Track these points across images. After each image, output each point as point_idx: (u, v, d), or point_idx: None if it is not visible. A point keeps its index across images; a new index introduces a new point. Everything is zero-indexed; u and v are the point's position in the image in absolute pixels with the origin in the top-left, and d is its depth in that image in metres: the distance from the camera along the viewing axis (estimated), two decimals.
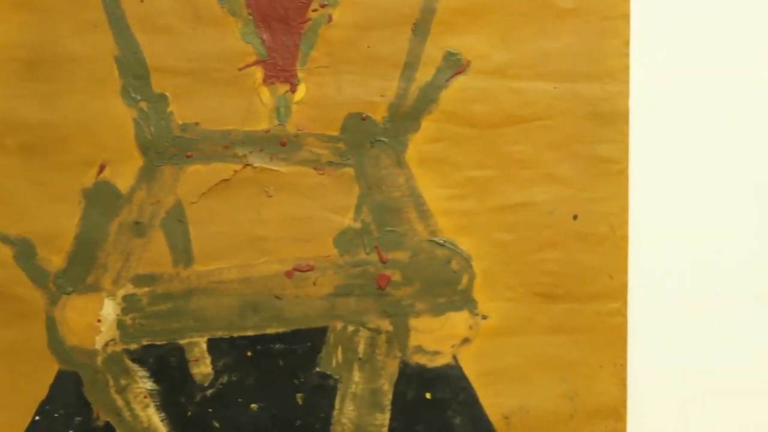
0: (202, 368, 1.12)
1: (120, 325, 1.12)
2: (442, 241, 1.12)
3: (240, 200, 1.12)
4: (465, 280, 1.12)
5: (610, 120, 1.12)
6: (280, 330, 1.12)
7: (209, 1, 1.11)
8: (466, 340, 1.13)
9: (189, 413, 1.12)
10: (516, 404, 1.13)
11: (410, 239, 1.12)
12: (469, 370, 1.13)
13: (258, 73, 1.12)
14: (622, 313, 1.13)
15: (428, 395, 1.13)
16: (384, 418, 1.13)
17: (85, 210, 1.12)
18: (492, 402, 1.13)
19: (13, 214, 1.11)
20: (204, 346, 1.12)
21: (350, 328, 1.13)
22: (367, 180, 1.12)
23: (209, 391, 1.12)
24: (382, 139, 1.12)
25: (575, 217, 1.12)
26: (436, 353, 1.13)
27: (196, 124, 1.12)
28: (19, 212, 1.11)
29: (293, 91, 1.12)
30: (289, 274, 1.12)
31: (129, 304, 1.12)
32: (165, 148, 1.12)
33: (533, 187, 1.12)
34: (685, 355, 1.14)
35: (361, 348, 1.13)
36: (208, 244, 1.12)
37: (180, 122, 1.12)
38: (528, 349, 1.13)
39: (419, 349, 1.13)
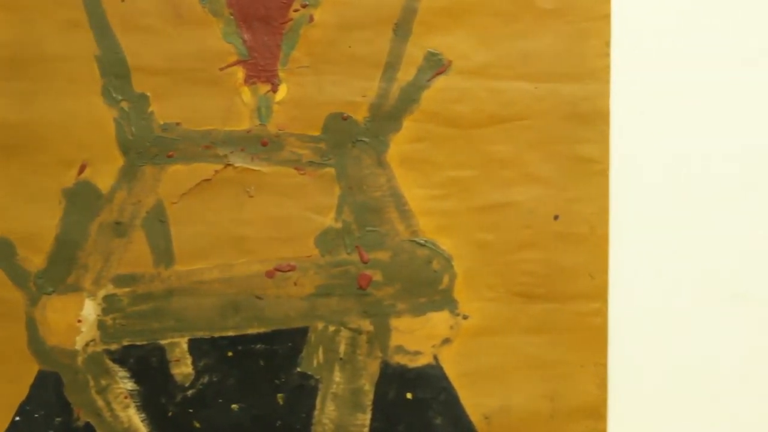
0: (183, 368, 1.12)
1: (100, 325, 1.12)
2: (423, 241, 1.13)
3: (221, 200, 1.12)
4: (446, 280, 1.12)
5: (591, 120, 1.12)
6: (261, 330, 1.12)
7: (190, 1, 1.11)
8: (446, 340, 1.13)
9: (170, 413, 1.12)
10: (497, 404, 1.13)
11: (391, 239, 1.12)
12: (450, 370, 1.13)
13: (239, 73, 1.12)
14: (602, 313, 1.13)
15: (409, 395, 1.13)
16: (365, 419, 1.13)
17: (65, 210, 1.11)
18: (473, 402, 1.13)
19: None
20: (185, 346, 1.12)
21: (331, 328, 1.12)
22: (349, 180, 1.12)
23: (190, 392, 1.12)
24: (364, 139, 1.12)
25: (556, 217, 1.13)
26: (417, 353, 1.13)
27: (177, 124, 1.12)
28: None
29: (274, 91, 1.12)
30: (270, 274, 1.12)
31: (109, 304, 1.12)
32: (146, 148, 1.12)
33: (514, 187, 1.12)
34: (665, 354, 1.14)
35: (342, 348, 1.13)
36: (189, 244, 1.12)
37: (161, 122, 1.12)
38: (509, 349, 1.13)
39: (400, 349, 1.13)
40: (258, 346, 1.12)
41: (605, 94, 1.12)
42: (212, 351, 1.12)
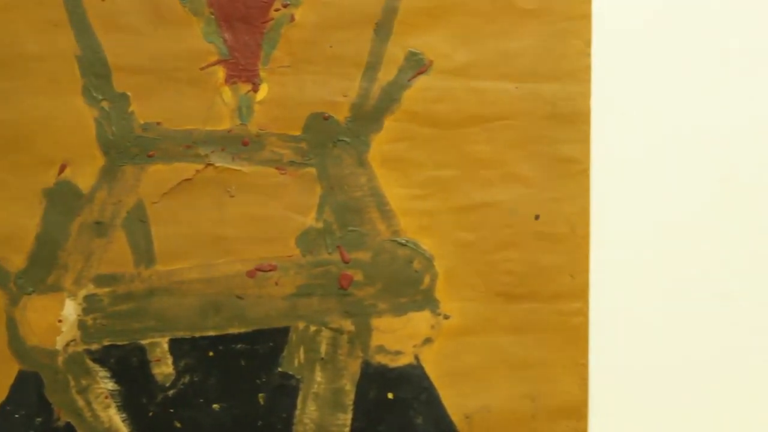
0: (164, 368, 1.12)
1: (81, 325, 1.11)
2: (404, 241, 1.13)
3: (202, 200, 1.12)
4: (427, 279, 1.12)
5: (572, 120, 1.12)
6: (242, 330, 1.12)
7: (171, 1, 1.11)
8: (428, 340, 1.13)
9: (150, 413, 1.12)
10: (478, 404, 1.13)
11: (372, 239, 1.12)
12: (431, 370, 1.13)
13: (220, 72, 1.12)
14: (583, 312, 1.13)
15: (390, 395, 1.13)
16: (346, 418, 1.13)
17: (45, 210, 1.11)
18: (454, 402, 1.13)
19: None
20: (165, 346, 1.12)
21: (312, 328, 1.12)
22: (330, 180, 1.12)
23: (171, 392, 1.12)
24: (345, 139, 1.12)
25: (537, 217, 1.13)
26: (398, 353, 1.13)
27: (158, 123, 1.12)
28: None
29: (255, 90, 1.12)
30: (251, 274, 1.12)
31: (90, 304, 1.11)
32: (126, 147, 1.12)
33: (495, 187, 1.12)
34: (646, 354, 1.14)
35: (323, 348, 1.12)
36: (170, 244, 1.12)
37: (141, 122, 1.12)
38: (490, 349, 1.13)
39: (381, 349, 1.13)
40: (239, 346, 1.12)
41: (586, 94, 1.12)
42: (193, 351, 1.12)
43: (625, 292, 1.14)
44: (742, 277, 1.15)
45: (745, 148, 1.15)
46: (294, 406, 1.13)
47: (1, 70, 1.11)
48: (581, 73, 1.12)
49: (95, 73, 1.11)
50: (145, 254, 1.12)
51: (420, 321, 1.12)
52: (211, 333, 1.12)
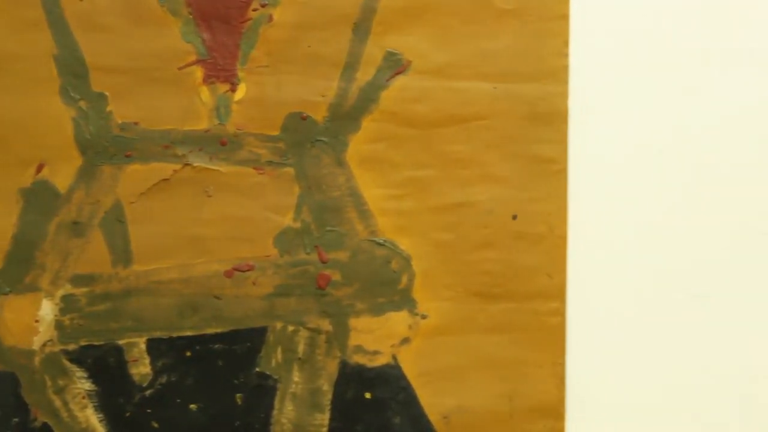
0: (141, 369, 1.12)
1: (58, 325, 1.11)
2: (382, 241, 1.13)
3: (179, 200, 1.12)
4: (405, 279, 1.12)
5: (549, 120, 1.13)
6: (220, 330, 1.12)
7: (149, 0, 1.11)
8: (405, 340, 1.13)
9: (127, 414, 1.12)
10: (455, 404, 1.13)
11: (350, 239, 1.12)
12: (409, 370, 1.13)
13: (198, 72, 1.12)
14: (560, 312, 1.13)
15: (368, 395, 1.13)
16: (323, 418, 1.13)
17: (23, 210, 1.11)
18: (431, 401, 1.13)
19: None
20: (143, 346, 1.12)
21: (290, 328, 1.12)
22: (308, 180, 1.12)
23: (148, 392, 1.12)
24: (323, 138, 1.12)
25: (514, 217, 1.13)
26: (376, 353, 1.13)
27: (136, 123, 1.11)
28: None
29: (233, 90, 1.12)
30: (228, 274, 1.12)
31: (67, 304, 1.11)
32: (104, 147, 1.11)
33: (472, 187, 1.13)
34: (623, 353, 1.14)
35: (300, 348, 1.12)
36: (148, 244, 1.12)
37: (119, 121, 1.11)
38: (467, 349, 1.13)
39: (359, 349, 1.12)
40: (216, 346, 1.12)
41: (564, 94, 1.13)
42: (170, 351, 1.12)
43: (602, 292, 1.14)
44: (719, 276, 1.15)
45: (723, 147, 1.15)
46: (271, 406, 1.12)
47: None
48: (559, 74, 1.13)
49: (73, 72, 1.11)
50: (122, 254, 1.12)
51: (398, 321, 1.12)
52: (189, 333, 1.12)
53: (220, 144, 1.12)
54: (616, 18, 1.14)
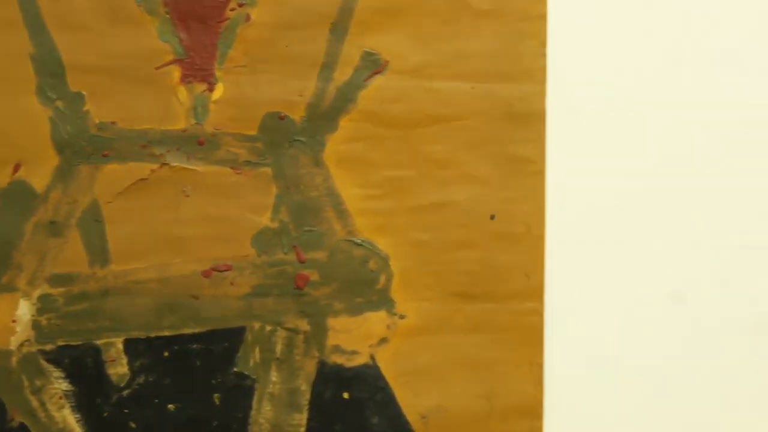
0: (119, 369, 1.12)
1: (35, 325, 1.11)
2: (360, 241, 1.12)
3: (157, 200, 1.12)
4: (383, 279, 1.12)
5: (527, 120, 1.13)
6: (197, 330, 1.12)
7: (126, 0, 1.11)
8: (383, 340, 1.13)
9: (105, 414, 1.12)
10: (433, 404, 1.13)
11: (328, 239, 1.12)
12: (387, 370, 1.13)
13: (175, 72, 1.12)
14: (538, 312, 1.13)
15: (346, 395, 1.13)
16: (301, 418, 1.13)
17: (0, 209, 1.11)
18: (409, 402, 1.13)
19: None
20: (120, 346, 1.12)
21: (268, 328, 1.12)
22: (285, 180, 1.12)
23: (126, 392, 1.12)
24: (300, 138, 1.12)
25: (492, 217, 1.13)
26: (354, 353, 1.13)
27: (113, 123, 1.11)
28: None
29: (211, 90, 1.12)
30: (206, 274, 1.12)
31: (44, 304, 1.11)
32: (81, 147, 1.11)
33: (450, 187, 1.13)
34: (601, 353, 1.15)
35: (278, 348, 1.12)
36: (125, 243, 1.11)
37: (97, 121, 1.11)
38: (445, 349, 1.13)
39: (337, 349, 1.12)
40: (194, 346, 1.12)
41: (541, 95, 1.13)
42: (148, 351, 1.12)
43: (580, 292, 1.14)
44: (697, 277, 1.15)
45: (701, 148, 1.15)
46: (249, 407, 1.12)
47: None
48: (537, 74, 1.13)
49: (49, 72, 1.11)
50: (100, 254, 1.11)
51: (376, 321, 1.12)
52: (166, 333, 1.12)
53: (197, 144, 1.12)
54: (594, 18, 1.14)
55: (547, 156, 1.13)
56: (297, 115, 1.12)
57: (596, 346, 1.15)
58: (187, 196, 1.12)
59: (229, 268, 1.12)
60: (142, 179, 1.11)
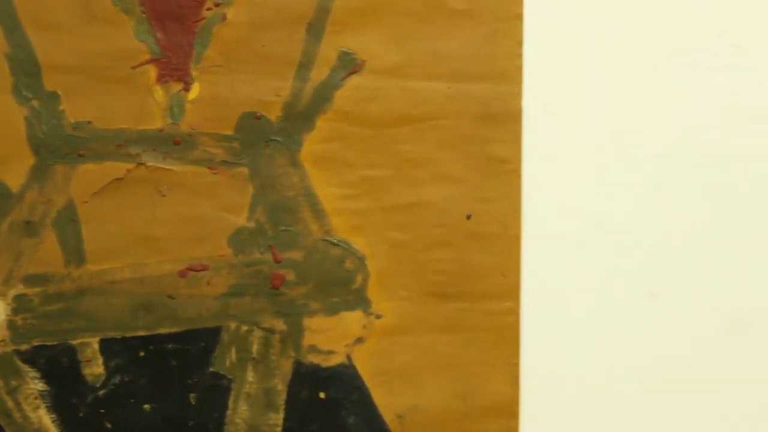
0: (94, 369, 1.11)
1: (10, 325, 1.10)
2: (336, 241, 1.13)
3: (133, 199, 1.11)
4: (359, 279, 1.13)
5: (503, 120, 1.13)
6: (173, 330, 1.12)
7: None
8: (359, 340, 1.13)
9: (81, 414, 1.11)
10: (409, 403, 1.13)
11: (305, 239, 1.12)
12: (363, 370, 1.13)
13: (151, 71, 1.11)
14: (514, 311, 1.13)
15: (322, 395, 1.13)
16: (278, 418, 1.13)
17: None
18: (386, 401, 1.13)
19: None
20: (96, 346, 1.11)
21: (244, 328, 1.12)
22: (262, 179, 1.12)
23: (101, 392, 1.12)
24: (277, 138, 1.12)
25: (468, 217, 1.13)
26: (330, 353, 1.13)
27: (89, 122, 1.11)
28: None
29: (187, 90, 1.11)
30: (182, 274, 1.12)
31: (20, 304, 1.11)
32: (57, 146, 1.11)
33: (426, 187, 1.13)
34: (577, 353, 1.15)
35: (254, 348, 1.12)
36: (101, 243, 1.11)
37: (72, 120, 1.11)
38: (421, 349, 1.13)
39: (313, 349, 1.12)
40: (170, 345, 1.12)
41: (517, 94, 1.13)
42: (124, 351, 1.12)
43: (556, 292, 1.14)
44: (672, 276, 1.16)
45: (676, 147, 1.16)
46: (225, 406, 1.12)
47: None
48: (513, 74, 1.13)
49: (25, 71, 1.10)
50: (75, 254, 1.11)
51: (352, 320, 1.13)
52: (142, 333, 1.12)
53: (173, 143, 1.11)
54: (570, 18, 1.14)
55: (523, 156, 1.13)
56: (273, 114, 1.12)
57: (572, 345, 1.15)
58: (164, 195, 1.12)
59: (205, 268, 1.12)
60: (118, 179, 1.11)
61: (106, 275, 1.11)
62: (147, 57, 1.11)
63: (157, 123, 1.11)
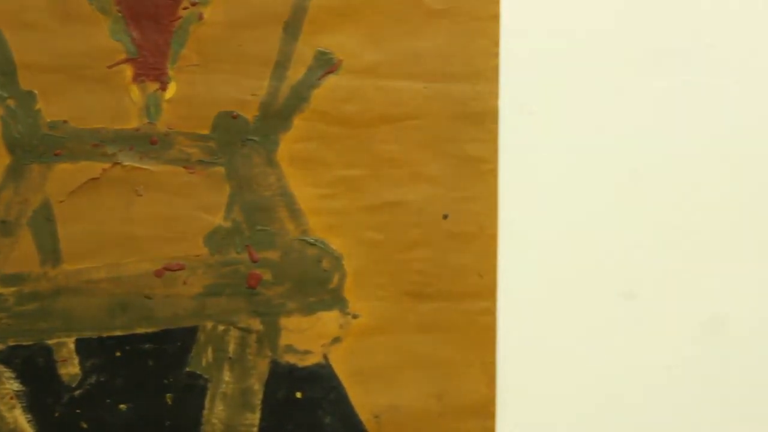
0: (70, 369, 1.11)
1: None
2: (313, 241, 1.12)
3: (109, 199, 1.11)
4: (336, 279, 1.12)
5: (480, 120, 1.13)
6: (150, 330, 1.12)
7: None
8: (336, 340, 1.13)
9: (57, 414, 1.11)
10: (386, 403, 1.13)
11: (281, 238, 1.12)
12: (340, 369, 1.13)
13: (128, 71, 1.11)
14: (491, 311, 1.13)
15: (299, 394, 1.13)
16: (254, 418, 1.12)
17: None
18: (362, 401, 1.13)
19: None
20: (72, 346, 1.11)
21: (220, 328, 1.12)
22: (238, 179, 1.12)
23: (77, 392, 1.11)
24: (253, 138, 1.12)
25: (445, 216, 1.13)
26: (307, 352, 1.12)
27: (65, 122, 1.11)
28: None
29: (163, 89, 1.11)
30: (158, 274, 1.11)
31: None
32: (33, 146, 1.10)
33: (403, 187, 1.13)
34: (554, 353, 1.15)
35: (231, 347, 1.12)
36: (77, 243, 1.11)
37: (48, 120, 1.11)
38: (398, 348, 1.13)
39: (290, 349, 1.12)
40: (146, 345, 1.12)
41: (494, 94, 1.13)
42: (100, 351, 1.11)
43: (533, 291, 1.14)
44: (648, 276, 1.16)
45: (653, 147, 1.16)
46: (202, 406, 1.12)
47: None
48: (489, 73, 1.13)
49: (1, 70, 1.10)
50: (51, 253, 1.11)
51: (329, 320, 1.12)
52: (119, 333, 1.11)
53: (150, 143, 1.11)
54: (547, 18, 1.14)
55: (500, 155, 1.13)
56: (250, 114, 1.12)
57: (549, 345, 1.15)
58: (140, 195, 1.11)
59: (181, 268, 1.11)
60: (94, 178, 1.11)
61: (82, 275, 1.11)
62: (123, 56, 1.11)
63: (133, 122, 1.11)
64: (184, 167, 1.12)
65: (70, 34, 1.10)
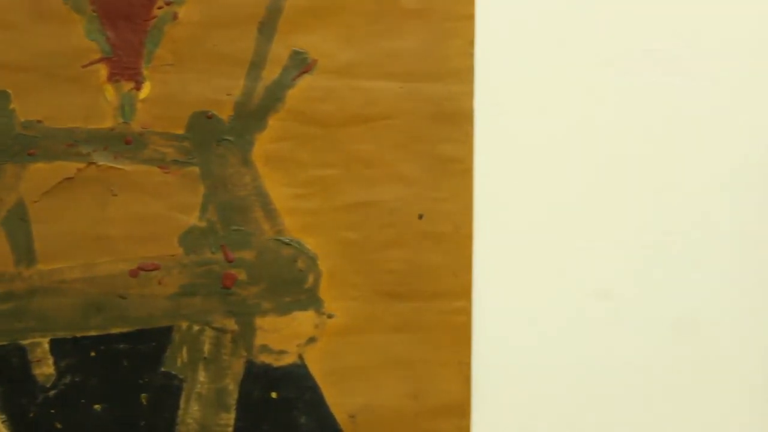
0: (45, 369, 1.11)
1: None
2: (288, 240, 1.12)
3: (84, 199, 1.11)
4: (311, 279, 1.12)
5: (455, 120, 1.13)
6: (125, 330, 1.11)
7: None
8: (312, 339, 1.13)
9: (31, 414, 1.11)
10: (361, 403, 1.13)
11: (256, 238, 1.12)
12: (315, 369, 1.13)
13: (102, 70, 1.11)
14: (466, 311, 1.13)
15: (274, 394, 1.13)
16: (229, 418, 1.12)
17: None
18: (338, 401, 1.13)
19: None
20: (47, 346, 1.11)
21: (195, 328, 1.12)
22: (213, 179, 1.12)
23: (52, 392, 1.11)
24: (228, 137, 1.12)
25: (420, 216, 1.13)
26: (282, 352, 1.12)
27: (39, 121, 1.10)
28: None
29: (138, 89, 1.11)
30: (133, 274, 1.11)
31: None
32: (7, 145, 1.10)
33: (378, 186, 1.13)
34: (529, 352, 1.15)
35: (206, 347, 1.12)
36: (51, 243, 1.11)
37: (22, 119, 1.10)
38: (373, 348, 1.13)
39: (265, 349, 1.12)
40: (121, 345, 1.11)
41: (469, 94, 1.13)
42: (74, 351, 1.11)
43: (507, 291, 1.15)
44: (624, 275, 1.16)
45: (627, 147, 1.16)
46: (177, 406, 1.12)
47: None
48: (465, 73, 1.13)
49: None
50: (25, 253, 1.11)
51: (304, 320, 1.12)
52: (93, 333, 1.11)
53: (124, 143, 1.11)
54: (521, 18, 1.14)
55: (474, 155, 1.13)
56: (225, 114, 1.12)
57: (523, 345, 1.15)
58: (115, 195, 1.11)
59: (156, 268, 1.11)
60: (68, 178, 1.11)
61: (56, 275, 1.11)
62: (98, 56, 1.11)
63: (108, 122, 1.11)
64: (159, 167, 1.11)
65: (45, 33, 1.10)
